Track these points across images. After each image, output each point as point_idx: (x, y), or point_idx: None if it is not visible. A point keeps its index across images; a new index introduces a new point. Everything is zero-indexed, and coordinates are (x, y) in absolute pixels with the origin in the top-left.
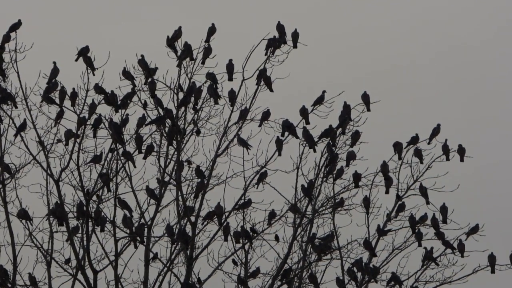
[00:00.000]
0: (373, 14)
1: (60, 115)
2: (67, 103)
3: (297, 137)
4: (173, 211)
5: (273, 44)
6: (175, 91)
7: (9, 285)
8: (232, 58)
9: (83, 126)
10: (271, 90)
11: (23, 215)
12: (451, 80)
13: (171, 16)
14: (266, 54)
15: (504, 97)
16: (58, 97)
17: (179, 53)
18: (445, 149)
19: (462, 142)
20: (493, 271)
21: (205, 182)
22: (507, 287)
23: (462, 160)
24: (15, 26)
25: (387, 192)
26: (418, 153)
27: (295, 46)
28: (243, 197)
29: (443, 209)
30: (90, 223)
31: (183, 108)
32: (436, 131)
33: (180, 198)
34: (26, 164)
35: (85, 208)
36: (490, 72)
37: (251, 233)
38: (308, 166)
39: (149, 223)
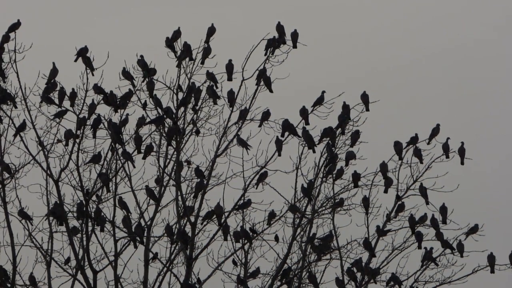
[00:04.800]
0: (373, 14)
1: (61, 113)
2: (66, 103)
3: (297, 136)
4: (173, 211)
5: (273, 44)
6: (175, 91)
7: (9, 285)
8: (232, 58)
9: (82, 126)
10: (271, 91)
11: (23, 214)
12: (451, 80)
13: (171, 16)
14: (265, 54)
15: (504, 97)
16: (57, 98)
17: (178, 54)
18: (445, 148)
19: (462, 142)
20: (492, 271)
21: (205, 182)
22: (506, 287)
23: (462, 163)
24: (14, 27)
25: (385, 191)
26: (417, 153)
27: (294, 46)
28: (242, 197)
29: (443, 209)
30: (89, 223)
31: (182, 108)
32: (435, 131)
33: (179, 198)
34: (25, 164)
35: (84, 208)
36: (490, 72)
37: (250, 233)
38: (308, 166)
39: (148, 223)
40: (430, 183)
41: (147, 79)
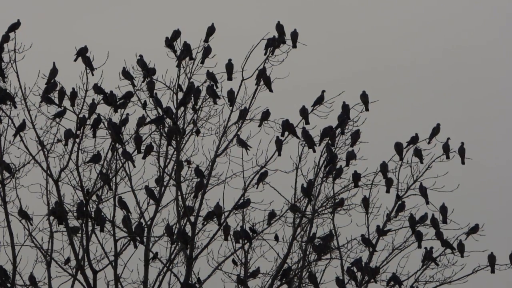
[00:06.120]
0: (373, 14)
1: (61, 113)
2: (66, 103)
3: (297, 137)
4: (173, 211)
5: (273, 44)
6: (175, 91)
7: (9, 285)
8: (232, 58)
9: (82, 126)
10: (271, 90)
11: (23, 214)
12: (451, 80)
13: (171, 16)
14: (265, 54)
15: (504, 98)
16: (57, 97)
17: (178, 54)
18: (446, 148)
19: (462, 142)
20: (493, 271)
21: (205, 182)
22: (507, 287)
23: (463, 163)
24: (14, 26)
25: (387, 191)
26: (418, 153)
27: (294, 46)
28: (242, 197)
29: (443, 209)
30: (89, 223)
31: (182, 108)
32: (436, 130)
33: (179, 198)
34: (25, 164)
35: (84, 208)
36: (490, 72)
37: (250, 233)
38: (308, 166)
39: (148, 223)
40: (430, 183)
41: (147, 79)
